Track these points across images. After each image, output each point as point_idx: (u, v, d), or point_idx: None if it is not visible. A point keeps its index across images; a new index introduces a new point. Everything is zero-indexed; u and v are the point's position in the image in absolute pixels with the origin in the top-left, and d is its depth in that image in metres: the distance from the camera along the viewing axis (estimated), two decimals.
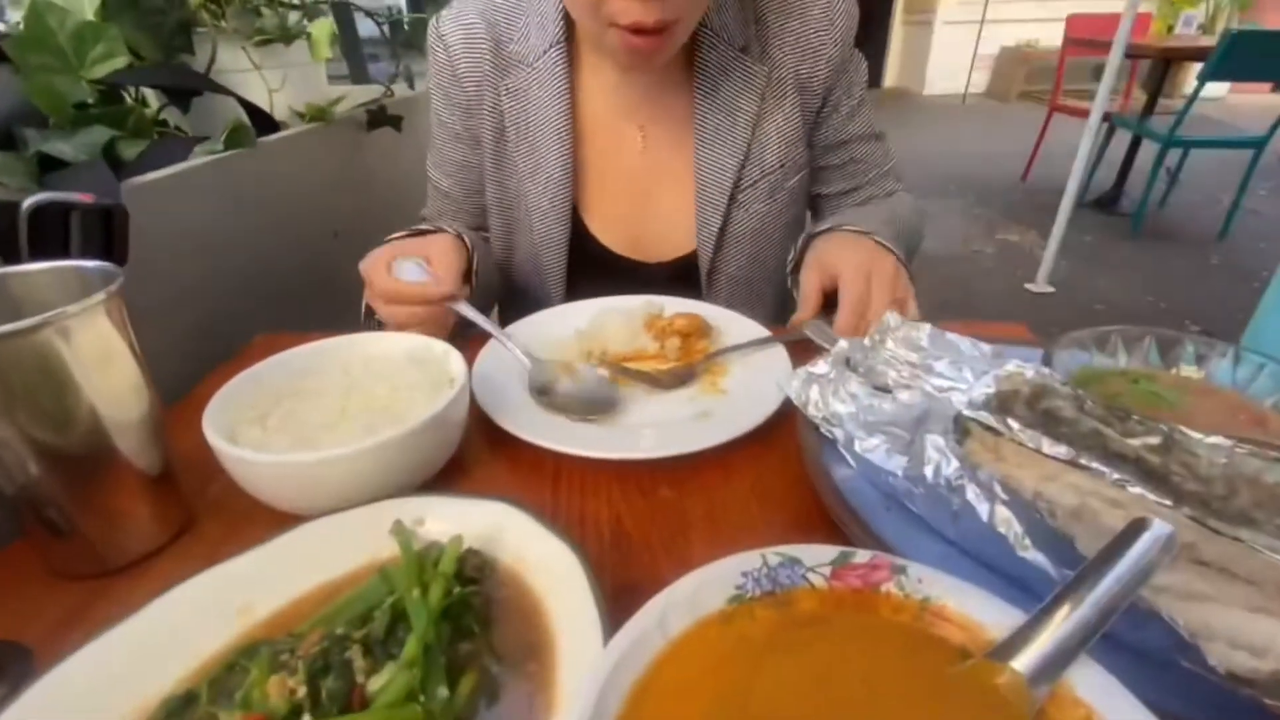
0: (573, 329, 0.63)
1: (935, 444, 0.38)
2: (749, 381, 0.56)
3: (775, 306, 0.83)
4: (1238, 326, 2.53)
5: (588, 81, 0.72)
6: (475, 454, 0.49)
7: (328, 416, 0.43)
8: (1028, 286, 2.87)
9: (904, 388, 0.44)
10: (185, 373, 0.62)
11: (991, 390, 0.44)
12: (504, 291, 0.86)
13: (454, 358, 0.48)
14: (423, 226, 0.64)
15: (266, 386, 0.46)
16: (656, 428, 0.50)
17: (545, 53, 0.68)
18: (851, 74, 0.73)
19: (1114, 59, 2.43)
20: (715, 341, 0.62)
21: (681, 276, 0.77)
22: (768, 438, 0.49)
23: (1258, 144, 3.06)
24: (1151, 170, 3.19)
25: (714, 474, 0.47)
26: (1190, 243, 3.30)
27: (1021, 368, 0.44)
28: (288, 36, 0.94)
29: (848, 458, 0.43)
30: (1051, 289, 2.85)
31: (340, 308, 0.98)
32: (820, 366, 0.46)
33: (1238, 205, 3.26)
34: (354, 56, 1.71)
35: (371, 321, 0.63)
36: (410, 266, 0.58)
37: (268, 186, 0.86)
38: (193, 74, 0.89)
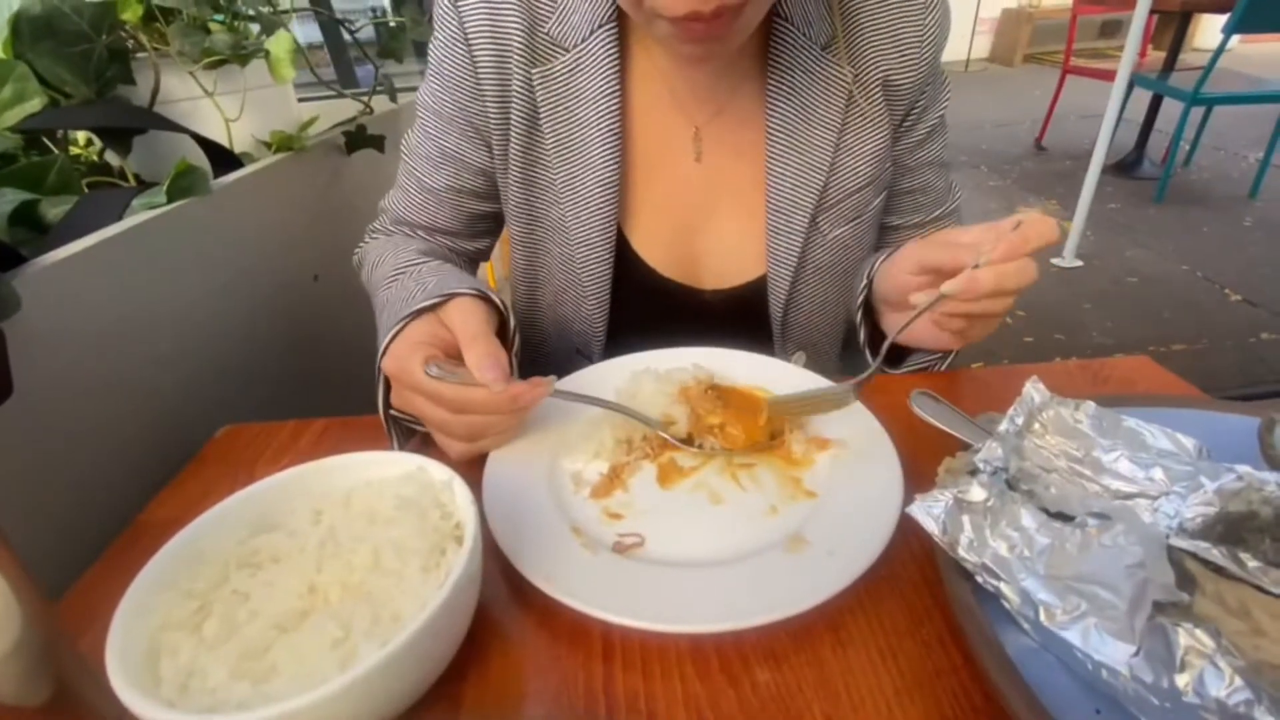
0: (610, 396, 0.50)
1: (1193, 635, 0.25)
2: (845, 474, 0.44)
3: (842, 349, 0.71)
4: (1279, 292, 2.41)
5: (638, 70, 0.59)
6: (492, 619, 0.37)
7: (290, 605, 0.31)
8: (1054, 262, 2.73)
9: (1102, 517, 0.32)
10: (132, 490, 0.50)
11: (1213, 509, 0.32)
12: (527, 330, 0.74)
13: (459, 492, 0.35)
14: (422, 304, 0.48)
15: (211, 556, 0.33)
16: (733, 570, 0.37)
17: (591, 34, 0.55)
18: (935, 87, 0.62)
19: (1140, 12, 2.27)
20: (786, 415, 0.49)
21: (743, 308, 0.65)
22: (883, 564, 0.37)
23: None
24: (1176, 130, 3.02)
25: (821, 636, 0.35)
26: (1220, 204, 3.15)
27: (1259, 479, 0.31)
28: (242, 57, 0.81)
29: (1024, 626, 0.30)
30: (1080, 263, 2.71)
31: (325, 367, 0.85)
32: (974, 490, 0.33)
33: (1267, 162, 3.10)
34: (342, 64, 1.58)
35: (402, 427, 0.51)
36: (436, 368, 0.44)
37: (229, 235, 0.73)
38: (130, 110, 0.76)
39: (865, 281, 0.58)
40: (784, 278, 0.62)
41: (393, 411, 0.49)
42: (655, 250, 0.64)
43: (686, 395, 0.50)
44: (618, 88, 0.57)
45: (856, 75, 0.57)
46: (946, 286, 0.46)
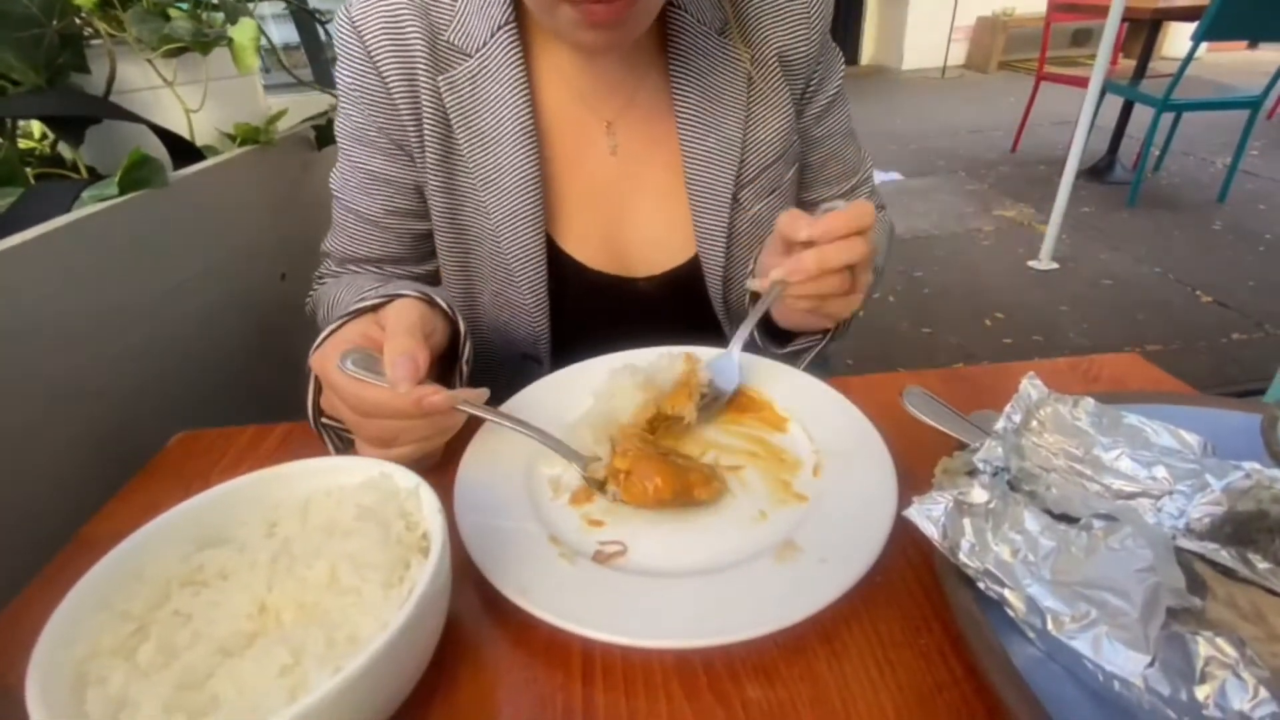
0: (580, 407, 0.48)
1: (1214, 644, 0.24)
2: (836, 476, 0.42)
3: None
4: (1248, 294, 2.47)
5: (543, 69, 0.60)
6: (462, 637, 0.34)
7: (236, 626, 0.28)
8: (1031, 264, 2.76)
9: (1108, 519, 0.30)
10: (75, 503, 0.47)
11: (1221, 509, 0.30)
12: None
13: (426, 500, 0.33)
14: (363, 303, 0.46)
15: (151, 574, 0.30)
16: (721, 580, 0.35)
17: (492, 37, 0.55)
18: (830, 59, 0.64)
19: (1112, 21, 2.31)
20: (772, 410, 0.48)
21: (679, 291, 0.66)
22: (878, 571, 0.35)
23: (1254, 104, 2.96)
24: (1147, 136, 3.08)
25: (815, 649, 0.33)
26: (1189, 209, 3.21)
27: (1268, 477, 0.30)
28: (204, 44, 0.77)
29: (1030, 635, 0.29)
30: (1055, 265, 2.74)
31: (294, 370, 0.82)
32: (975, 492, 0.31)
33: (1235, 167, 3.17)
34: (317, 62, 1.54)
35: (332, 433, 0.47)
36: (354, 362, 0.41)
37: (189, 230, 0.70)
38: (83, 98, 0.72)
39: (751, 268, 0.59)
40: (717, 256, 0.63)
41: (325, 420, 0.46)
42: (584, 246, 0.63)
43: (621, 431, 0.45)
44: (526, 88, 0.57)
45: (753, 56, 0.60)
46: (775, 273, 0.47)
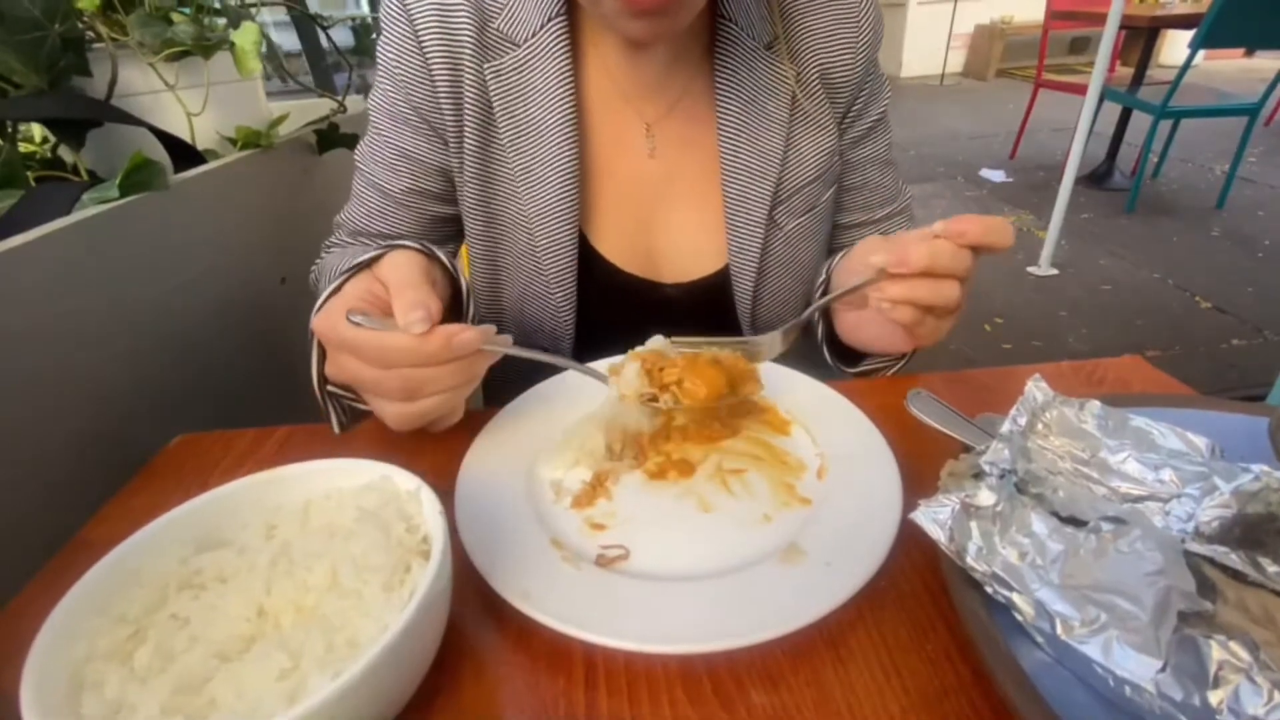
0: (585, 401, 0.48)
1: (1226, 648, 0.23)
2: (840, 479, 0.41)
3: (805, 346, 0.71)
4: (1247, 299, 2.47)
5: (590, 65, 0.59)
6: (463, 641, 0.34)
7: (234, 630, 0.28)
8: (1030, 270, 2.77)
9: (1117, 521, 0.30)
10: (73, 505, 0.46)
11: (1231, 511, 0.30)
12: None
13: (426, 502, 0.32)
14: (359, 258, 0.45)
15: (148, 577, 0.30)
16: (725, 584, 0.35)
17: (542, 28, 0.55)
18: (875, 85, 0.64)
19: (1110, 28, 2.32)
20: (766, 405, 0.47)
21: (706, 301, 0.65)
22: (883, 575, 0.34)
23: (1252, 110, 2.97)
24: (1145, 142, 3.09)
25: (821, 653, 0.32)
26: (1188, 215, 3.23)
27: (1277, 479, 0.30)
28: (206, 48, 0.77)
29: (1038, 640, 0.28)
30: (1055, 271, 2.75)
31: (294, 373, 0.82)
32: (982, 494, 0.31)
33: (1233, 174, 3.18)
34: (318, 67, 1.54)
35: (343, 405, 0.46)
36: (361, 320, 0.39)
37: (190, 233, 0.70)
38: (85, 101, 0.72)
39: (824, 276, 0.58)
40: (749, 271, 0.63)
41: (331, 388, 0.45)
42: (615, 246, 0.63)
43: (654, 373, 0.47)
44: (571, 82, 0.56)
45: (798, 74, 0.59)
46: (876, 258, 0.44)
